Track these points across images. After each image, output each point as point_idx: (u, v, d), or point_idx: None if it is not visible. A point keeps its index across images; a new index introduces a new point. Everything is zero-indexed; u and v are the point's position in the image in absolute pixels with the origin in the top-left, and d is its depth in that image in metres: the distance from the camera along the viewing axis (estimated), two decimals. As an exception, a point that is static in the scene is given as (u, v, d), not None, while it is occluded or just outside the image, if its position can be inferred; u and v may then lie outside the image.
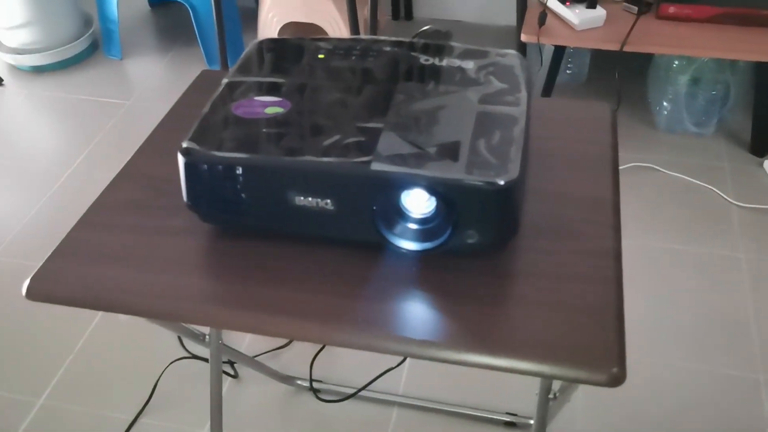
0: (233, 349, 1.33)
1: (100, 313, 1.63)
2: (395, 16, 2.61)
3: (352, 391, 1.42)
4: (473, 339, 0.65)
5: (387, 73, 0.80)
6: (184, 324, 1.09)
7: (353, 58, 0.82)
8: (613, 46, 1.79)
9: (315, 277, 0.72)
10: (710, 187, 1.87)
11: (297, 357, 1.52)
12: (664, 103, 2.02)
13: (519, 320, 0.67)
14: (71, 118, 2.25)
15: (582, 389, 1.42)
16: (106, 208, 0.82)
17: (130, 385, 1.48)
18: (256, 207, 0.72)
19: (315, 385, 1.46)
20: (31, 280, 0.73)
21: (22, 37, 2.39)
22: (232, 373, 1.49)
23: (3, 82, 2.41)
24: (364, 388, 1.43)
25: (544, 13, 1.84)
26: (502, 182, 0.65)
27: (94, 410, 1.44)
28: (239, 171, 0.70)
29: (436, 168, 0.66)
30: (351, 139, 0.70)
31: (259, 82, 0.80)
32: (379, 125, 0.71)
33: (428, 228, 0.70)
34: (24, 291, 0.73)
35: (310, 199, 0.70)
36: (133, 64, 2.48)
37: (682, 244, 1.72)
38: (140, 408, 1.44)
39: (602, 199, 0.80)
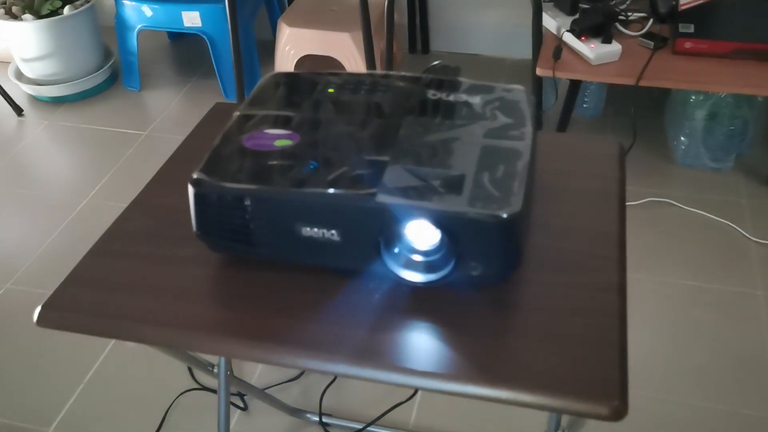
0: (242, 381, 1.33)
1: (111, 343, 1.63)
2: (412, 49, 2.64)
3: (361, 426, 1.41)
4: (476, 371, 0.65)
5: (394, 107, 0.80)
6: (192, 354, 1.09)
7: (362, 92, 0.83)
8: (629, 81, 1.79)
9: (321, 307, 0.72)
10: (728, 222, 1.86)
11: (307, 390, 1.51)
12: (682, 138, 2.02)
13: (521, 352, 0.66)
14: (89, 149, 2.28)
15: (594, 427, 1.40)
16: (118, 237, 0.83)
17: (139, 416, 1.48)
18: (264, 237, 0.73)
19: (324, 419, 1.45)
20: (42, 307, 0.74)
21: (42, 69, 2.45)
22: (241, 405, 1.49)
23: (23, 113, 2.46)
24: (373, 422, 1.42)
25: (560, 47, 1.85)
26: (504, 215, 0.66)
27: (104, 439, 1.44)
28: (248, 202, 0.71)
29: (440, 201, 0.67)
30: (357, 172, 0.71)
31: (269, 115, 0.81)
32: (386, 158, 0.72)
33: (432, 260, 0.70)
34: (35, 318, 0.74)
35: (316, 229, 0.70)
36: (152, 96, 2.52)
37: (700, 280, 1.70)
38: (150, 438, 1.44)
39: (607, 233, 0.79)
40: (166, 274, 0.77)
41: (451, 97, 0.82)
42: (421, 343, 0.68)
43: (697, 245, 1.80)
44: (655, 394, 1.46)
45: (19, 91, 2.55)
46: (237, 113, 0.82)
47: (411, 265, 0.71)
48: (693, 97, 1.93)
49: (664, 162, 2.07)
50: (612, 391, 0.63)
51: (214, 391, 1.51)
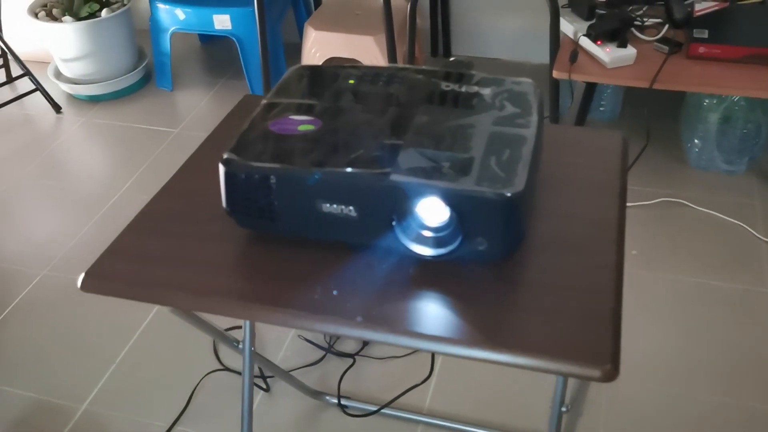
0: (267, 360, 1.40)
1: (142, 325, 1.72)
2: (434, 53, 2.71)
3: (377, 408, 1.48)
4: (481, 337, 0.71)
5: (410, 97, 0.87)
6: (219, 330, 1.16)
7: (380, 83, 0.90)
8: (643, 84, 1.84)
9: (339, 278, 0.78)
10: (740, 223, 1.89)
11: (326, 374, 1.58)
12: (695, 141, 2.06)
13: (523, 322, 0.72)
14: (122, 145, 2.38)
15: (603, 414, 1.45)
16: (151, 216, 0.90)
17: (167, 394, 1.56)
18: (288, 213, 0.79)
19: (343, 401, 1.51)
20: (85, 274, 0.82)
21: (79, 69, 2.55)
22: (264, 386, 1.56)
23: (61, 110, 2.57)
24: (389, 403, 1.48)
25: (576, 51, 1.91)
26: (508, 194, 0.72)
27: (133, 417, 1.52)
28: (273, 180, 0.77)
29: (449, 180, 0.73)
30: (374, 154, 0.77)
31: (293, 104, 0.88)
32: (400, 142, 0.79)
33: (441, 236, 0.76)
34: (79, 284, 0.81)
35: (335, 206, 0.77)
36: (183, 95, 2.62)
37: (711, 278, 1.74)
38: (176, 416, 1.51)
39: (607, 219, 0.85)
40: (196, 248, 0.84)
41: (464, 89, 0.88)
42: (431, 311, 0.74)
43: (709, 245, 1.84)
44: (664, 388, 1.50)
45: (58, 90, 2.66)
46: (264, 101, 0.89)
47: (422, 240, 0.77)
48: (706, 101, 1.98)
49: (678, 164, 2.11)
50: (604, 356, 0.69)
51: (238, 373, 1.58)
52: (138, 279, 0.80)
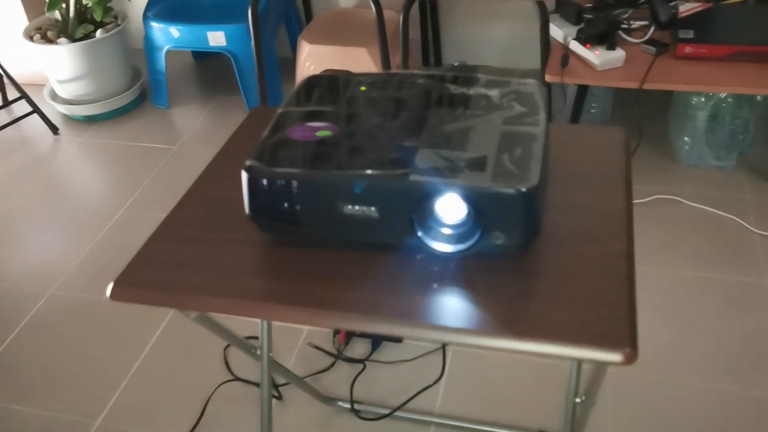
0: (280, 365, 1.42)
1: (153, 339, 1.73)
2: (425, 62, 2.75)
3: (390, 411, 1.50)
4: (501, 327, 0.74)
5: (421, 100, 0.90)
6: (238, 337, 1.18)
7: (391, 89, 0.93)
8: (633, 85, 1.88)
9: (362, 277, 0.81)
10: (733, 217, 1.94)
11: (337, 380, 1.60)
12: (685, 138, 2.11)
13: (543, 312, 0.75)
14: (122, 164, 2.40)
15: (610, 407, 1.48)
16: (174, 224, 0.93)
17: (181, 407, 1.58)
18: (310, 216, 0.82)
19: (355, 406, 1.53)
20: (114, 283, 0.84)
21: (75, 90, 2.57)
22: (276, 395, 1.58)
23: (58, 131, 2.59)
24: (403, 405, 1.51)
25: (567, 55, 1.95)
26: (524, 189, 0.75)
27: (148, 430, 1.53)
28: (295, 184, 0.80)
29: (466, 178, 0.76)
30: (391, 156, 0.80)
31: (309, 111, 0.91)
32: (415, 144, 0.82)
33: (460, 232, 0.80)
34: (108, 293, 0.84)
35: (357, 207, 0.80)
36: (179, 113, 2.64)
37: (707, 271, 1.79)
38: (191, 429, 1.53)
39: (616, 210, 0.88)
40: (219, 253, 0.87)
41: (471, 91, 0.92)
42: (453, 305, 0.77)
43: (704, 239, 1.88)
44: (668, 379, 1.54)
45: (54, 111, 2.68)
46: (280, 110, 0.92)
47: (441, 237, 0.80)
48: (694, 99, 2.03)
49: (670, 162, 2.16)
50: (624, 340, 0.72)
51: (249, 383, 1.60)
52: (166, 285, 0.83)
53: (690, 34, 1.94)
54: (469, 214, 0.78)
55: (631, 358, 0.71)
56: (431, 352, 1.64)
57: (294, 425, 1.52)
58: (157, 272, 0.85)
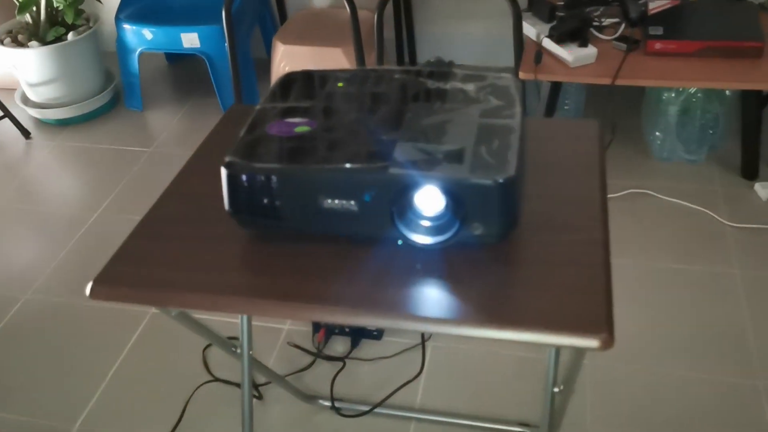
0: (261, 363, 1.42)
1: (131, 341, 1.72)
2: (400, 61, 2.76)
3: (371, 407, 1.51)
4: (482, 316, 0.75)
5: (399, 95, 0.91)
6: (220, 336, 1.18)
7: (368, 84, 0.94)
8: (605, 81, 1.91)
9: (342, 270, 0.82)
10: (704, 209, 1.98)
11: (317, 378, 1.60)
12: (657, 133, 2.14)
13: (522, 299, 0.77)
14: (96, 167, 2.38)
15: (588, 395, 1.51)
16: (154, 221, 0.93)
17: (160, 408, 1.57)
18: (290, 211, 0.83)
19: (336, 403, 1.54)
20: (93, 282, 0.84)
21: (47, 93, 2.55)
22: (256, 394, 1.58)
23: (30, 136, 2.56)
24: (383, 401, 1.52)
25: (540, 52, 1.97)
26: (501, 179, 0.76)
27: (128, 433, 1.53)
28: (274, 179, 0.81)
29: (445, 170, 0.77)
30: (370, 149, 0.81)
31: (288, 107, 0.91)
32: (394, 137, 0.83)
33: (439, 224, 0.81)
34: (87, 292, 0.83)
35: (336, 201, 0.80)
36: (153, 115, 2.63)
37: (680, 263, 1.82)
38: (170, 430, 1.52)
39: (591, 198, 0.90)
40: (200, 250, 0.87)
41: (448, 85, 0.93)
42: (434, 296, 0.78)
43: (677, 231, 1.91)
44: (644, 367, 1.56)
45: (26, 115, 2.65)
46: (258, 107, 0.92)
47: (421, 229, 0.81)
48: (665, 95, 2.06)
49: (643, 157, 2.19)
50: (601, 326, 0.73)
51: (229, 383, 1.60)
52: (146, 283, 0.83)
53: (659, 30, 1.97)
54: (448, 205, 0.79)
55: (607, 343, 0.72)
56: (410, 349, 1.65)
57: (275, 424, 1.52)
58: (137, 270, 0.85)
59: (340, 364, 1.63)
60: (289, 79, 0.98)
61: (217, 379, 1.62)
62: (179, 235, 0.89)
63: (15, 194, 2.29)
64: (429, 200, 0.79)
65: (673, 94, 2.06)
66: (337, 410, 1.53)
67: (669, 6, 2.08)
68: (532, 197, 0.91)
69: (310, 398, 1.56)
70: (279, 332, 1.72)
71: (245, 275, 0.83)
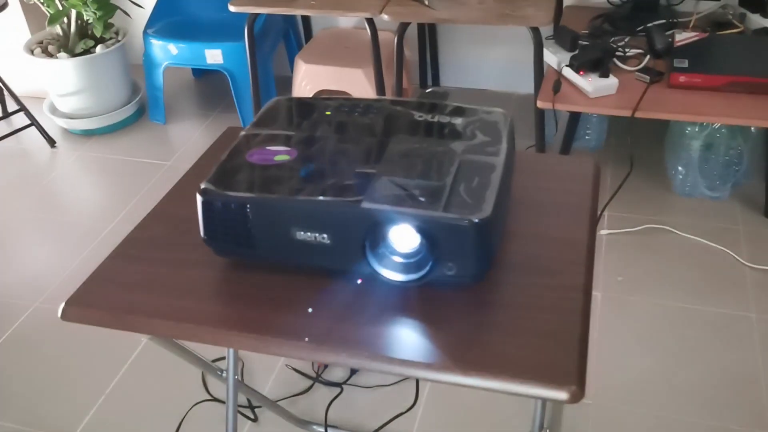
0: (254, 390, 1.41)
1: (133, 356, 1.73)
2: (423, 84, 2.75)
3: (365, 435, 1.48)
4: (450, 360, 0.73)
5: (384, 127, 0.90)
6: (204, 360, 1.17)
7: (356, 114, 0.93)
8: (625, 113, 1.87)
9: (313, 304, 0.80)
10: (724, 249, 1.92)
11: (314, 403, 1.58)
12: (679, 168, 2.09)
13: (492, 344, 0.74)
14: (115, 178, 2.41)
15: (589, 440, 1.46)
16: (134, 243, 0.92)
17: (156, 425, 1.56)
18: (263, 241, 0.81)
19: (330, 430, 1.52)
20: (65, 303, 0.84)
21: (74, 104, 2.59)
22: (251, 416, 1.56)
23: (56, 144, 2.60)
24: (377, 431, 1.49)
25: (559, 81, 1.94)
26: (476, 220, 0.74)
27: (121, 448, 1.52)
28: (248, 208, 0.80)
29: (419, 207, 0.75)
30: (347, 182, 0.80)
31: (271, 134, 0.90)
32: (372, 171, 0.81)
33: (413, 261, 0.78)
34: (59, 313, 0.83)
35: (308, 234, 0.79)
36: (175, 129, 2.65)
37: (695, 303, 1.76)
38: (164, 447, 1.52)
39: (577, 240, 0.87)
40: (176, 275, 0.86)
41: (436, 119, 0.91)
42: (402, 336, 0.76)
43: (694, 270, 1.86)
44: (650, 411, 1.51)
45: (53, 125, 2.70)
46: (243, 133, 0.91)
47: (393, 266, 0.79)
48: (689, 129, 2.01)
49: (663, 191, 2.14)
50: (571, 377, 0.70)
51: (224, 402, 1.59)
52: (118, 307, 0.82)
53: (685, 63, 1.93)
54: (421, 244, 0.77)
55: (576, 396, 0.69)
56: (410, 378, 1.62)
57: (268, 448, 1.50)
58: (111, 292, 0.84)
59: (338, 389, 1.61)
60: (277, 105, 0.97)
61: (214, 399, 1.61)
62: (157, 259, 0.89)
63: (36, 202, 2.32)
64: (402, 237, 0.78)
65: (696, 129, 2.01)
66: (331, 437, 1.51)
67: (696, 39, 2.03)
68: (514, 236, 0.88)
69: (304, 423, 1.54)
70: (280, 354, 1.71)
71: (216, 304, 0.82)
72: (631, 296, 1.79)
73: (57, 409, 1.62)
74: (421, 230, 0.75)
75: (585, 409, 1.52)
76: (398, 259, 0.79)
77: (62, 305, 0.83)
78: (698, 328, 1.69)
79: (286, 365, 1.68)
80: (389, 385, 1.61)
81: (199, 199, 0.81)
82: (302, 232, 0.79)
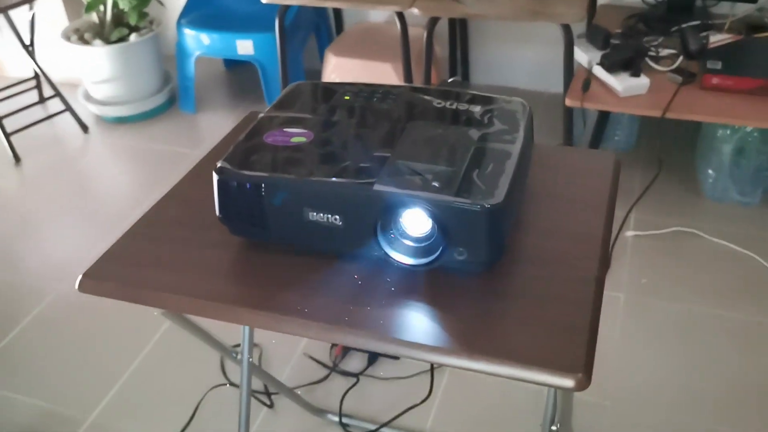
0: (269, 375, 1.42)
1: (154, 339, 1.75)
2: (453, 82, 2.74)
3: (377, 426, 1.48)
4: (457, 345, 0.72)
5: (401, 112, 0.90)
6: (220, 342, 1.19)
7: (374, 100, 0.93)
8: (655, 113, 1.85)
9: (324, 285, 0.80)
10: (753, 255, 1.88)
11: (330, 393, 1.59)
12: (710, 172, 2.05)
13: (501, 331, 0.74)
14: (144, 165, 2.44)
15: (604, 441, 1.44)
16: (151, 222, 0.94)
17: (173, 408, 1.58)
18: (277, 221, 0.82)
19: (344, 419, 1.52)
20: (83, 276, 0.85)
21: (108, 91, 2.63)
22: (267, 402, 1.57)
23: (88, 130, 2.65)
24: (389, 422, 1.49)
25: (588, 79, 1.92)
26: (487, 205, 0.73)
27: (140, 429, 1.54)
28: (262, 188, 0.80)
29: (431, 191, 0.75)
30: (360, 165, 0.80)
31: (289, 117, 0.91)
32: (387, 154, 0.81)
33: (424, 245, 0.78)
34: (77, 285, 0.84)
35: (321, 215, 0.79)
36: (204, 118, 2.68)
37: (719, 308, 1.73)
38: (181, 429, 1.53)
39: (592, 235, 0.86)
40: (190, 253, 0.87)
41: (454, 106, 0.91)
42: (411, 319, 0.76)
43: (720, 275, 1.82)
44: (667, 415, 1.49)
45: (86, 111, 2.75)
46: (261, 115, 0.92)
47: (404, 250, 0.79)
48: (720, 132, 1.98)
49: (693, 195, 2.11)
50: (578, 365, 0.69)
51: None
52: (132, 281, 0.83)
53: (718, 65, 1.90)
54: (433, 228, 0.77)
55: (582, 384, 0.69)
56: (427, 371, 1.62)
57: (282, 435, 1.51)
58: (126, 267, 0.85)
59: (354, 380, 1.61)
60: (297, 89, 0.98)
61: (230, 383, 1.63)
62: (172, 237, 0.90)
63: (67, 186, 2.36)
64: (414, 221, 0.77)
65: (728, 132, 1.98)
66: (344, 426, 1.51)
67: (731, 41, 2.00)
68: (529, 228, 0.87)
69: (319, 411, 1.54)
70: (298, 342, 1.72)
71: (228, 282, 0.82)
72: (655, 299, 1.77)
73: (79, 388, 1.65)
74: (432, 214, 0.75)
75: (601, 410, 1.50)
76: (409, 243, 0.79)
77: (80, 277, 0.85)
78: (721, 334, 1.66)
79: (304, 353, 1.69)
80: (405, 377, 1.61)
81: (215, 177, 0.82)
82: (315, 213, 0.79)
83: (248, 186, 0.81)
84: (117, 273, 0.85)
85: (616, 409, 1.51)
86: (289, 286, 0.81)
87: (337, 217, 0.79)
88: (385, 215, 0.77)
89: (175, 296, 0.81)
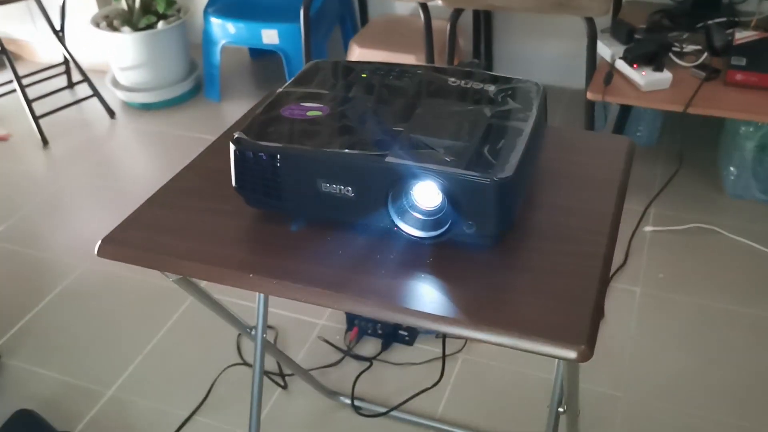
0: (284, 354, 1.44)
1: (173, 317, 1.78)
2: (476, 76, 2.75)
3: (389, 408, 1.50)
4: (462, 314, 0.74)
5: (417, 90, 0.91)
6: (235, 315, 1.21)
7: (391, 77, 0.94)
8: (677, 108, 1.84)
9: (336, 255, 0.82)
10: (773, 253, 1.87)
11: (343, 376, 1.61)
12: (731, 168, 2.04)
13: (506, 303, 0.75)
14: (168, 151, 2.48)
15: (618, 430, 1.44)
16: (170, 192, 0.96)
17: (189, 385, 1.61)
18: (290, 192, 0.84)
19: (356, 402, 1.54)
20: (102, 241, 0.87)
21: (135, 77, 2.68)
22: (281, 383, 1.59)
23: (115, 116, 2.69)
24: (400, 405, 1.50)
25: (611, 73, 1.92)
26: (497, 178, 0.75)
27: (156, 404, 1.57)
28: (278, 158, 0.82)
29: (441, 164, 0.76)
30: (374, 138, 0.81)
31: (307, 92, 0.93)
32: (400, 129, 0.82)
33: (434, 218, 0.80)
34: (96, 250, 0.87)
35: (334, 186, 0.81)
36: (229, 107, 2.72)
37: (737, 305, 1.72)
38: (196, 406, 1.56)
39: (602, 213, 0.87)
40: (207, 222, 0.89)
41: (469, 85, 0.92)
42: (419, 289, 0.77)
43: (738, 272, 1.81)
44: (681, 408, 1.49)
45: (113, 97, 2.79)
46: (279, 90, 0.94)
47: (414, 222, 0.80)
48: (743, 129, 1.96)
49: (714, 191, 2.09)
50: (582, 338, 0.70)
51: (257, 369, 1.63)
52: (149, 247, 0.86)
53: (743, 61, 1.88)
54: (443, 201, 0.78)
55: (585, 355, 0.69)
56: (439, 358, 1.63)
57: (294, 414, 1.53)
58: (144, 235, 0.88)
59: (368, 364, 1.63)
60: (316, 67, 0.99)
61: (245, 363, 1.65)
62: (189, 207, 0.92)
63: (93, 169, 2.41)
64: (425, 193, 0.79)
65: (751, 129, 1.96)
66: (357, 409, 1.53)
67: (757, 38, 1.98)
68: (540, 205, 0.88)
69: (332, 394, 1.56)
70: (313, 326, 1.74)
71: (241, 250, 0.84)
72: (672, 294, 1.76)
73: (98, 363, 1.68)
74: (442, 186, 0.76)
75: (615, 401, 1.51)
76: (419, 216, 0.80)
77: (99, 242, 0.87)
78: (738, 330, 1.66)
79: (319, 337, 1.71)
80: (419, 363, 1.62)
81: (231, 147, 0.84)
82: (327, 184, 0.81)
83: (263, 156, 0.83)
84: (135, 240, 0.87)
85: (630, 400, 1.51)
86: (301, 256, 0.82)
87: (350, 188, 0.80)
88: (396, 187, 0.79)
89: (190, 263, 0.83)
